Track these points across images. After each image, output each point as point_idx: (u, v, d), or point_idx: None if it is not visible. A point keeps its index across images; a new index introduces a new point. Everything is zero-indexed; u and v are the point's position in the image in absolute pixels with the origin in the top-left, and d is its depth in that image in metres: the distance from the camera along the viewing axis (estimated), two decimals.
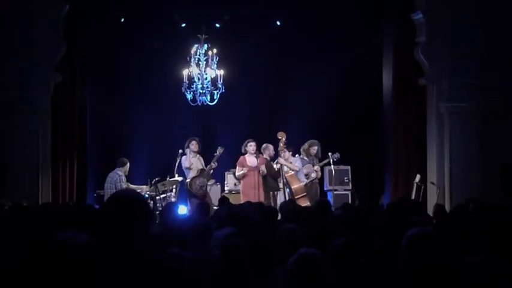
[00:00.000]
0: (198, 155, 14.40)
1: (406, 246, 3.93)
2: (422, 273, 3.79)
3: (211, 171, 14.37)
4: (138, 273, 3.17)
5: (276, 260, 5.11)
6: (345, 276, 4.62)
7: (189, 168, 14.20)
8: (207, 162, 14.36)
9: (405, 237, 3.96)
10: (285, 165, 13.97)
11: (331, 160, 14.41)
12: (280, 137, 14.02)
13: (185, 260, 5.01)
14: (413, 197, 13.82)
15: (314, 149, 14.46)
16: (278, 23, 16.14)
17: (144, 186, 14.34)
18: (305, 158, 14.41)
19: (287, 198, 13.54)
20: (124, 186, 14.00)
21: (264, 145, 14.26)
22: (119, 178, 14.02)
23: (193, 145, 14.28)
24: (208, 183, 14.61)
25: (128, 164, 14.33)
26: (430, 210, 11.92)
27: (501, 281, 3.57)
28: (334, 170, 14.66)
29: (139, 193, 3.67)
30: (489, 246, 3.75)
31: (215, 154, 14.25)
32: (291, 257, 4.19)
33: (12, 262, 3.47)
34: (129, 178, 14.71)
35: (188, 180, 14.18)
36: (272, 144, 14.40)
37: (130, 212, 3.34)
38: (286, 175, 13.93)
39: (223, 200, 11.04)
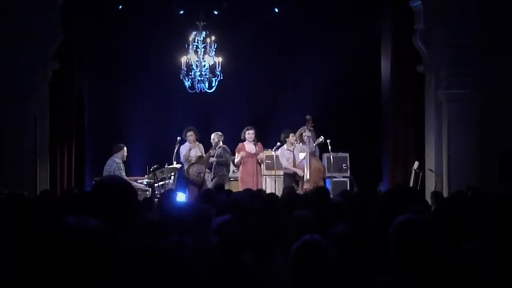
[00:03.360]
0: (197, 143, 14.43)
1: (393, 233, 3.92)
2: (409, 260, 3.79)
3: (210, 158, 14.38)
4: (133, 261, 3.17)
5: (282, 246, 5.10)
6: (344, 262, 4.63)
7: (186, 161, 14.22)
8: (206, 149, 14.39)
9: (392, 225, 3.95)
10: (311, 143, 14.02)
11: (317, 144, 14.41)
12: (308, 119, 14.02)
13: (187, 247, 5.01)
14: (411, 184, 13.85)
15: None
16: (276, 10, 16.10)
17: (139, 184, 14.32)
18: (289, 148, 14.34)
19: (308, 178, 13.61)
20: (122, 173, 13.96)
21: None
22: (116, 166, 13.95)
23: (191, 136, 14.28)
24: (207, 170, 14.61)
25: (125, 149, 14.26)
26: (428, 197, 11.94)
27: (500, 267, 3.57)
28: (333, 157, 14.67)
29: (124, 180, 3.66)
30: (488, 233, 3.75)
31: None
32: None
33: (16, 251, 3.48)
34: (128, 165, 14.71)
35: (186, 167, 14.19)
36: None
37: (115, 199, 3.34)
38: (312, 156, 14.01)
39: (219, 188, 11.05)
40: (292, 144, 14.15)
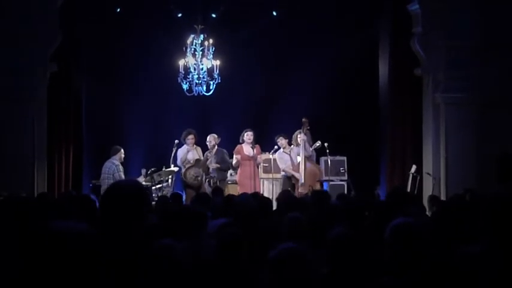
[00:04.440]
0: (195, 146, 14.39)
1: (389, 237, 3.93)
2: (405, 263, 3.79)
3: (208, 161, 14.34)
4: (135, 264, 3.18)
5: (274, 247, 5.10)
6: (340, 265, 4.63)
7: (183, 165, 14.14)
8: (204, 152, 14.37)
9: (388, 229, 3.95)
10: (305, 146, 13.93)
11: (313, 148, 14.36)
12: (304, 122, 13.95)
13: (177, 250, 5.00)
14: (409, 187, 13.83)
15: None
16: (274, 13, 16.10)
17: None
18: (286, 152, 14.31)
19: (302, 182, 13.57)
20: (122, 175, 13.96)
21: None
22: (115, 168, 13.93)
23: (192, 139, 14.22)
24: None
25: (122, 151, 14.24)
26: (425, 201, 11.95)
27: (499, 270, 3.57)
28: (330, 160, 14.65)
29: (140, 184, 3.64)
30: (487, 234, 3.75)
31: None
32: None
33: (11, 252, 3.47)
34: (126, 168, 14.69)
35: (183, 170, 14.16)
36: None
37: (133, 204, 3.34)
38: (308, 160, 13.92)
39: (217, 190, 11.03)
40: (285, 147, 14.15)
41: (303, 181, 13.67)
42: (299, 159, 13.93)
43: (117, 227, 3.27)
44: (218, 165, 14.13)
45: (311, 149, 14.19)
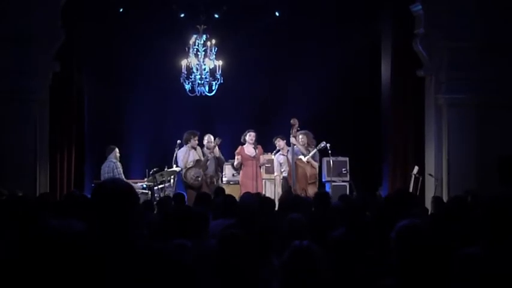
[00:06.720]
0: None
1: (396, 238, 3.93)
2: (411, 265, 3.79)
3: (208, 161, 14.33)
4: (133, 263, 3.17)
5: (276, 249, 5.10)
6: (343, 266, 4.63)
7: (184, 165, 14.10)
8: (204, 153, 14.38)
9: (395, 229, 3.95)
10: (298, 147, 13.87)
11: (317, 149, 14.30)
12: (293, 123, 13.90)
13: (188, 250, 5.02)
14: (411, 188, 13.81)
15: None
16: (277, 13, 16.10)
17: (139, 185, 14.31)
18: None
19: (294, 184, 13.52)
20: (121, 171, 14.02)
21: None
22: (114, 165, 14.04)
23: (196, 140, 14.22)
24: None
25: (117, 149, 14.34)
26: (428, 202, 11.94)
27: (500, 272, 3.57)
28: (333, 161, 14.64)
29: (126, 182, 3.65)
30: (488, 237, 3.75)
31: (213, 145, 14.27)
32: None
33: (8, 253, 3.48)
34: (128, 168, 14.73)
35: (184, 171, 14.15)
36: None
37: (117, 202, 3.34)
38: (298, 161, 13.84)
39: (219, 191, 11.03)
40: (283, 148, 14.15)
41: (294, 185, 13.63)
42: (303, 158, 13.92)
43: (105, 226, 3.29)
44: (221, 157, 14.21)
45: (311, 155, 14.12)
